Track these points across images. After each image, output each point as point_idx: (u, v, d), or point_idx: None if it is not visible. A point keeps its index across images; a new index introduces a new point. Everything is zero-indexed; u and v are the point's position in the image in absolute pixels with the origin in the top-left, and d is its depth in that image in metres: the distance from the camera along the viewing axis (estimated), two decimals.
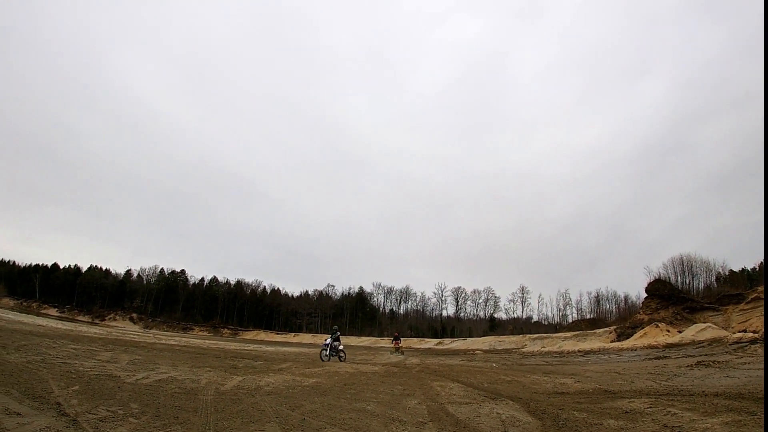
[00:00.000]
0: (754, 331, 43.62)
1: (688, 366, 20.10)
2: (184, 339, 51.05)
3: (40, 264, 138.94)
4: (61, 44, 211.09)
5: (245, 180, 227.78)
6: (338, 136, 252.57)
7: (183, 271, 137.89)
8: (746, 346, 28.64)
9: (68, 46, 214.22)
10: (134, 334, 48.56)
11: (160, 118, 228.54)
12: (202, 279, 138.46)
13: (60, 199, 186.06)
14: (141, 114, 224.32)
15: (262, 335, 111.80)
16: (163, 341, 36.93)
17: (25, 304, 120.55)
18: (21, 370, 10.75)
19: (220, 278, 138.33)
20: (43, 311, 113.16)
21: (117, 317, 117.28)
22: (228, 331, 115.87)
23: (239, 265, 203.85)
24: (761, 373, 15.10)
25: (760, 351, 24.29)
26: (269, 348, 45.65)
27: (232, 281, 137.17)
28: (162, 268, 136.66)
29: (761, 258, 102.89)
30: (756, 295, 59.73)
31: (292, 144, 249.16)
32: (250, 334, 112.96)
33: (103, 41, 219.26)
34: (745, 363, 19.29)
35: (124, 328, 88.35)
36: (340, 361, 26.79)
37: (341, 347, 29.29)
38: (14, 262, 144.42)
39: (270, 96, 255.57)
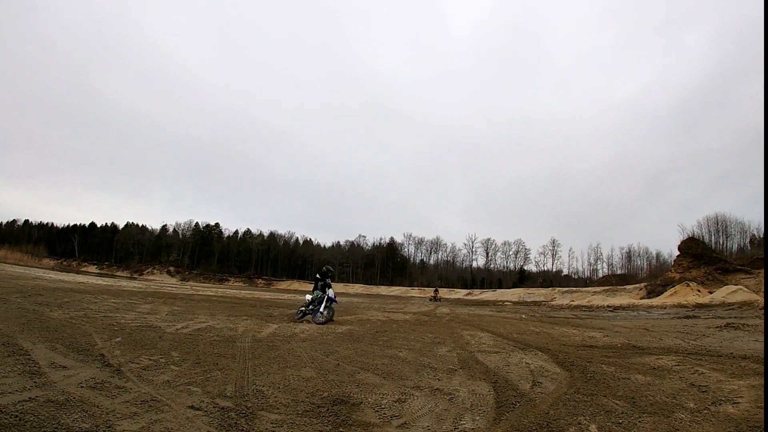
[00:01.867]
0: None
1: (717, 327, 20.01)
2: (220, 290, 52.06)
3: (78, 224, 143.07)
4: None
5: (276, 131, 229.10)
6: (370, 85, 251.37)
7: (217, 224, 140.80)
8: None
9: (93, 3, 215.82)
10: (172, 287, 49.56)
11: (190, 71, 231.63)
12: (236, 231, 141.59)
13: (94, 160, 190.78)
14: (171, 68, 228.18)
15: (296, 285, 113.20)
16: (201, 292, 37.52)
17: (65, 263, 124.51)
18: (65, 326, 11.04)
19: (254, 230, 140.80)
20: (83, 269, 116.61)
21: (155, 271, 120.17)
22: (262, 282, 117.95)
23: (273, 216, 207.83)
24: None
25: None
26: (302, 297, 46.15)
27: (266, 233, 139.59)
28: (197, 222, 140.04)
29: None
30: None
31: (324, 93, 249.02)
32: (284, 284, 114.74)
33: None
34: None
35: (162, 281, 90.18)
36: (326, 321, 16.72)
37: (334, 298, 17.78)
38: (53, 224, 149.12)
39: (301, 45, 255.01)
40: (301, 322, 16.54)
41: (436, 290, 58.23)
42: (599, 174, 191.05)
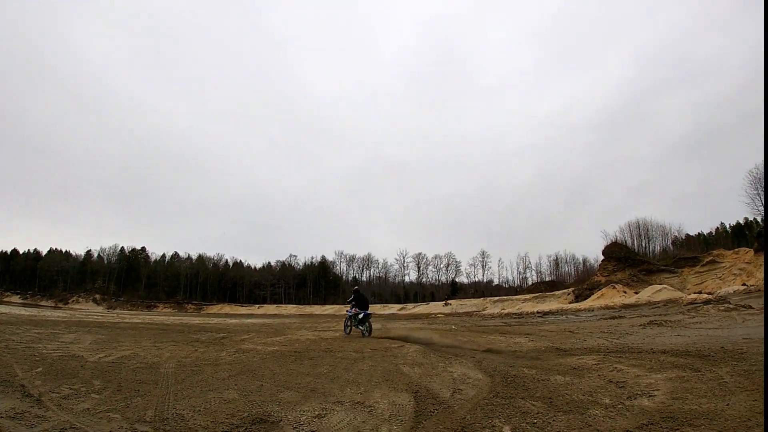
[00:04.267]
0: (709, 293, 45.03)
1: (640, 325, 20.80)
2: (148, 317, 50.90)
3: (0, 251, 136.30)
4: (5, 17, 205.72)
5: (204, 154, 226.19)
6: (305, 108, 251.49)
7: (143, 248, 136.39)
8: (699, 306, 29.41)
9: (14, 18, 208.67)
10: (98, 315, 48.31)
11: (119, 94, 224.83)
12: (163, 255, 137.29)
13: (14, 184, 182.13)
14: (99, 91, 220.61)
15: (227, 308, 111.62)
16: (127, 320, 36.75)
17: None
18: None
19: (182, 254, 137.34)
20: (5, 299, 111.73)
21: (80, 299, 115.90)
22: (192, 307, 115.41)
23: (200, 240, 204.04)
24: (711, 332, 15.53)
25: (713, 311, 24.97)
26: (233, 321, 45.88)
27: (194, 256, 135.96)
28: (122, 247, 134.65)
29: (717, 224, 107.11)
30: (710, 258, 62.47)
31: (252, 116, 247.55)
32: (215, 308, 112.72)
33: (54, 13, 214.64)
34: (697, 322, 19.87)
35: (87, 309, 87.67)
36: (365, 335, 20.24)
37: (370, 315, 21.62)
38: None
39: (226, 68, 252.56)
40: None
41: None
42: (526, 187, 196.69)
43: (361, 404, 7.06)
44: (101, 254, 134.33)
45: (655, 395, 6.82)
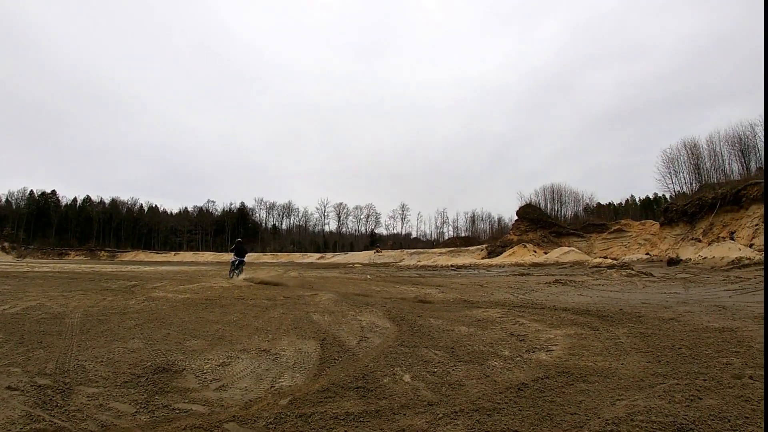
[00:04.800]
0: (614, 259, 47.51)
1: (546, 283, 21.51)
2: (58, 265, 49.48)
3: None
4: None
5: (124, 95, 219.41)
6: (227, 51, 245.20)
7: (54, 192, 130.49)
8: (604, 270, 30.61)
9: None
10: (6, 264, 46.51)
11: (31, 30, 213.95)
12: (75, 199, 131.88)
13: None
14: (7, 24, 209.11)
15: (142, 255, 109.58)
16: (36, 269, 35.44)
17: None
18: None
19: (94, 197, 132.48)
20: None
21: None
22: (105, 254, 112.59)
23: (116, 183, 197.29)
24: (613, 294, 16.04)
25: (616, 275, 25.85)
26: (148, 268, 45.30)
27: (107, 200, 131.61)
28: (31, 190, 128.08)
29: (628, 196, 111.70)
30: (618, 227, 66.51)
31: (176, 58, 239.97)
32: (129, 255, 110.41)
33: None
34: (600, 284, 20.52)
35: None
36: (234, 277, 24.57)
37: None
38: None
39: (154, 7, 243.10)
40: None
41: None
42: (450, 145, 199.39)
43: (267, 352, 7.17)
44: (9, 198, 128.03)
45: (553, 350, 7.08)
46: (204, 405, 4.85)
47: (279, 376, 5.84)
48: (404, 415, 4.44)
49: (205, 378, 5.76)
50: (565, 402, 4.69)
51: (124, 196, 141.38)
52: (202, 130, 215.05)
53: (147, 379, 5.69)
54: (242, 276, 24.51)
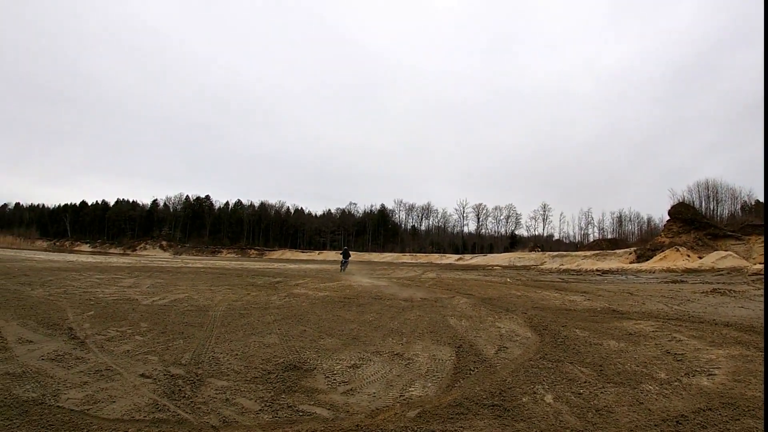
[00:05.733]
0: None
1: (703, 292, 19.66)
2: (210, 262, 52.16)
3: (69, 203, 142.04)
4: None
5: (266, 105, 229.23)
6: (360, 58, 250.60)
7: (207, 197, 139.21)
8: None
9: None
10: (163, 261, 49.44)
11: (177, 48, 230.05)
12: (227, 203, 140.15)
13: (83, 139, 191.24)
14: (158, 44, 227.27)
15: (288, 254, 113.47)
16: (190, 265, 37.51)
17: (58, 243, 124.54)
18: (41, 303, 10.94)
19: (245, 201, 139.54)
20: (75, 248, 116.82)
21: (147, 246, 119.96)
22: (254, 252, 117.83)
23: (263, 188, 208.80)
24: None
25: None
26: (293, 266, 46.55)
27: (256, 203, 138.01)
28: (187, 195, 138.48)
29: None
30: None
31: (314, 68, 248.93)
32: (276, 254, 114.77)
33: None
34: (762, 295, 18.34)
35: (154, 255, 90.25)
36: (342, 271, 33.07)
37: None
38: (43, 205, 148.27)
39: (289, 20, 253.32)
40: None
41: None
42: (591, 141, 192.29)
43: (400, 356, 6.98)
44: (167, 203, 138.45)
45: (715, 374, 6.32)
46: (329, 409, 4.71)
47: (410, 384, 5.59)
48: None
49: (334, 379, 5.67)
50: None
51: (272, 200, 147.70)
52: (342, 137, 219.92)
53: (277, 376, 5.68)
54: (367, 280, 25.64)
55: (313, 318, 10.17)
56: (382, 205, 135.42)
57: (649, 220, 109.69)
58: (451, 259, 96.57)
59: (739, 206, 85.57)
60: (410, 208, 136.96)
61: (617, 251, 74.42)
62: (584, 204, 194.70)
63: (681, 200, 79.97)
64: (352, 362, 6.44)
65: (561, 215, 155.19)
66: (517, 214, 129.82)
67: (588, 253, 78.46)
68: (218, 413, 4.44)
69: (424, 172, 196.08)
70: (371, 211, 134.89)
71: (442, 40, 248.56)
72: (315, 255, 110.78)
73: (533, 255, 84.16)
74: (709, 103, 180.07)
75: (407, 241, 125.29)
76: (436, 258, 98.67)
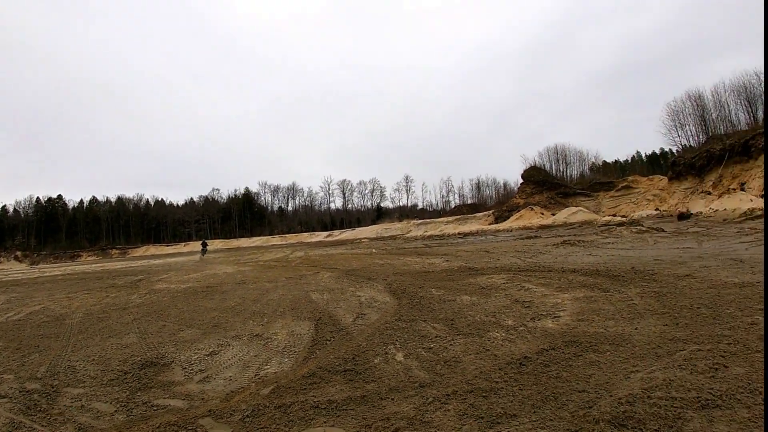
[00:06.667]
0: (623, 216, 46.66)
1: (554, 245, 20.86)
2: (70, 267, 49.00)
3: None
4: None
5: (119, 88, 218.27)
6: (219, 31, 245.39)
7: (60, 197, 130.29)
8: (613, 228, 29.82)
9: None
10: (18, 273, 46.19)
11: (23, 31, 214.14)
12: (81, 201, 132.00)
13: None
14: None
15: (152, 249, 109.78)
16: (47, 273, 35.41)
17: None
18: None
19: (100, 197, 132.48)
20: None
21: (1, 259, 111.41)
22: (116, 252, 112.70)
23: (120, 182, 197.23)
24: (623, 252, 15.39)
25: (626, 233, 25.06)
26: (157, 261, 45.22)
27: (113, 199, 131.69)
28: (38, 197, 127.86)
29: (633, 152, 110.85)
30: (625, 183, 65.65)
31: (171, 43, 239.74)
32: (140, 251, 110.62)
33: None
34: (610, 243, 19.86)
35: (10, 268, 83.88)
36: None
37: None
38: None
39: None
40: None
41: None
42: (451, 112, 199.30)
43: (259, 336, 6.98)
44: (17, 208, 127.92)
45: (560, 316, 6.69)
46: (184, 399, 4.63)
47: (266, 363, 5.60)
48: (392, 400, 4.09)
49: (191, 370, 5.58)
50: (573, 377, 4.26)
51: (129, 193, 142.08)
52: (200, 117, 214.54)
53: (133, 375, 5.53)
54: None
55: (173, 311, 9.94)
56: (247, 189, 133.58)
57: (505, 184, 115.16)
58: (321, 236, 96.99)
59: (587, 167, 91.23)
60: (275, 190, 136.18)
61: (477, 215, 78.21)
62: (444, 173, 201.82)
63: (533, 164, 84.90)
64: (210, 350, 6.37)
65: (423, 185, 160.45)
66: (381, 187, 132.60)
67: (450, 218, 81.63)
68: (74, 421, 4.28)
69: (287, 151, 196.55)
70: (236, 195, 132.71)
71: (304, 10, 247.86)
72: (181, 247, 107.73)
73: (399, 225, 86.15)
74: (561, 74, 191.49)
75: (275, 223, 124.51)
76: (305, 237, 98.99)
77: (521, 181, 78.54)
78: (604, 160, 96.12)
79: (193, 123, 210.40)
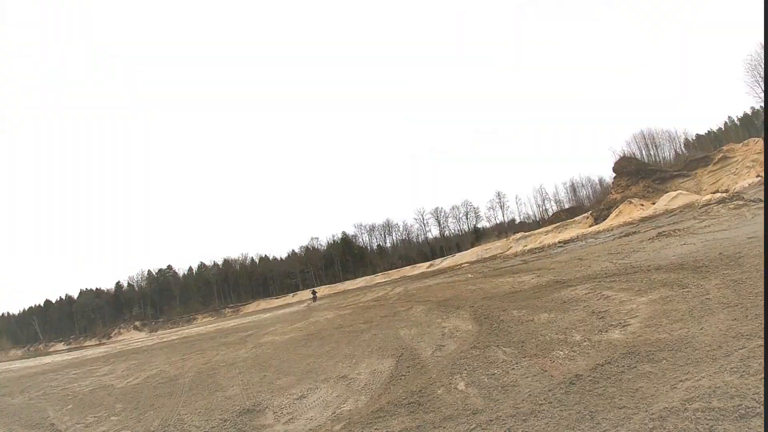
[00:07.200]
0: (725, 191, 44.00)
1: (649, 239, 19.70)
2: (185, 331, 51.39)
3: (34, 305, 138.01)
4: None
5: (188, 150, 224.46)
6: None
7: (170, 267, 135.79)
8: (712, 207, 28.35)
9: None
10: (138, 341, 48.65)
11: None
12: (190, 268, 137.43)
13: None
14: None
15: (263, 304, 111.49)
16: (164, 339, 36.99)
17: (32, 348, 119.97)
18: (23, 408, 11.19)
19: (207, 262, 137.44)
20: (50, 349, 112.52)
21: (122, 330, 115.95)
22: (229, 310, 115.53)
23: (223, 244, 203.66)
24: (719, 235, 14.71)
25: (723, 211, 23.63)
26: (267, 315, 45.86)
27: (219, 262, 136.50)
28: (149, 270, 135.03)
29: (725, 118, 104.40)
30: (722, 154, 60.42)
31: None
32: (251, 307, 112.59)
33: None
34: (706, 226, 18.75)
35: (130, 338, 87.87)
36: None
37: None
38: (8, 312, 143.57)
39: None
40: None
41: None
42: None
43: (345, 378, 7.36)
44: (131, 282, 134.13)
45: (629, 324, 6.71)
46: None
47: (344, 402, 6.12)
48: (443, 428, 4.42)
49: (281, 413, 6.23)
50: (619, 392, 4.39)
51: (234, 254, 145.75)
52: (284, 169, 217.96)
53: (231, 422, 6.25)
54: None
55: (274, 362, 10.51)
56: (344, 233, 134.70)
57: (600, 180, 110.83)
58: (422, 267, 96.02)
59: (681, 145, 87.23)
60: (371, 229, 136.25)
61: (576, 218, 75.02)
62: (536, 182, 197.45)
63: (622, 155, 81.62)
64: (300, 394, 6.89)
65: (516, 197, 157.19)
66: (475, 208, 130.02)
67: (549, 227, 78.21)
68: None
69: (375, 189, 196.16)
70: (334, 241, 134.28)
71: None
72: (289, 298, 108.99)
73: (498, 243, 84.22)
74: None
75: (376, 261, 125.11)
76: (407, 270, 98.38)
77: (614, 175, 75.97)
78: (697, 133, 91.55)
79: (281, 176, 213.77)
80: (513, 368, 5.88)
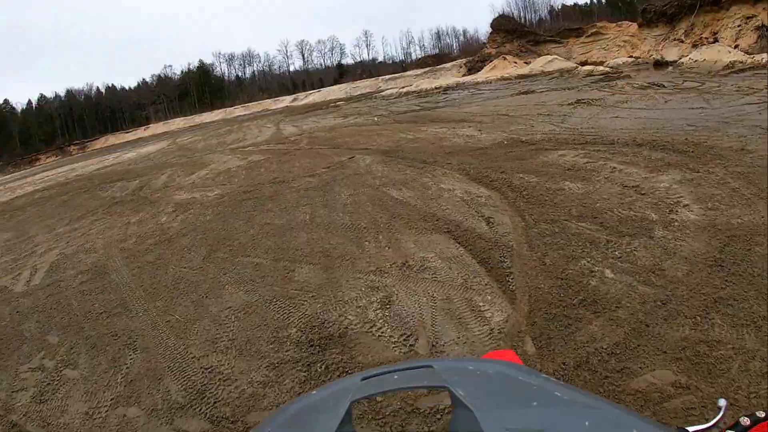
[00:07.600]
0: (600, 63, 47.20)
1: (568, 104, 18.87)
2: (36, 177, 39.10)
3: None
4: None
5: None
6: None
7: (6, 101, 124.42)
8: (601, 78, 29.87)
9: None
10: None
11: None
12: (29, 102, 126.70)
13: None
14: None
15: (112, 139, 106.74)
16: (18, 191, 27.76)
17: None
18: None
19: (48, 94, 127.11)
20: None
21: None
22: (75, 148, 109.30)
23: (66, 73, 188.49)
24: (646, 114, 14.12)
25: (628, 88, 23.00)
26: (129, 155, 37.57)
27: (62, 93, 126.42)
28: None
29: None
30: (595, 30, 65.02)
31: None
32: (99, 143, 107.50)
33: None
34: (622, 101, 17.86)
35: None
36: None
37: None
38: None
39: None
40: None
41: None
42: None
43: (407, 266, 5.78)
44: None
45: (689, 204, 6.22)
46: None
47: (480, 315, 4.78)
48: None
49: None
50: None
51: (78, 84, 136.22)
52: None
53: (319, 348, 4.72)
54: None
55: (244, 239, 8.20)
56: (201, 61, 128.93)
57: (464, 32, 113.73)
58: (286, 101, 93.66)
59: (547, 12, 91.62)
60: (231, 58, 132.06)
61: (446, 65, 78.04)
62: (402, 26, 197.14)
63: (501, 13, 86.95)
64: (373, 299, 5.28)
65: (383, 38, 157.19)
66: (341, 44, 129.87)
67: (419, 71, 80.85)
68: None
69: (237, 15, 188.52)
70: (190, 70, 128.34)
71: None
72: (141, 131, 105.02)
73: (367, 82, 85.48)
74: None
75: (235, 92, 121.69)
76: (269, 104, 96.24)
77: (491, 30, 78.40)
78: (563, 3, 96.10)
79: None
80: (630, 249, 5.34)
